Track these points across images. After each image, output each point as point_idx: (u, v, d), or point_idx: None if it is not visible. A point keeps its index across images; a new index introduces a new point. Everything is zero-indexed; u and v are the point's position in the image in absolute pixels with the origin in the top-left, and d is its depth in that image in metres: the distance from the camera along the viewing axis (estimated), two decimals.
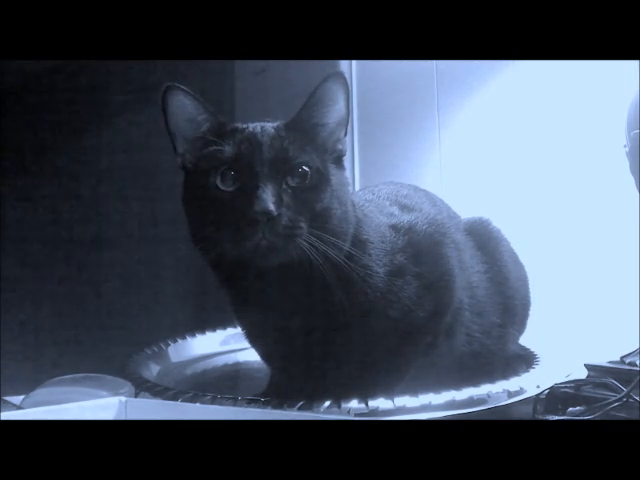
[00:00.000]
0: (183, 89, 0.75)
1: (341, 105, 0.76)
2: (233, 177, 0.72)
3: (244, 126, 0.76)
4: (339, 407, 0.70)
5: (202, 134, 0.75)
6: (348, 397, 0.71)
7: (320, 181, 0.73)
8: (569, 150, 1.16)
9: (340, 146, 0.78)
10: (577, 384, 0.83)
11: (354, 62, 1.40)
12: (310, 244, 0.70)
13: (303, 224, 0.70)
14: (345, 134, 0.78)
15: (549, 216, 1.17)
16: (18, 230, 1.33)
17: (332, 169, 0.76)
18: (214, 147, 0.73)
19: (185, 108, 0.75)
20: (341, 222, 0.74)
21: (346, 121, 0.78)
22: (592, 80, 1.13)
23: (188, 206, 0.76)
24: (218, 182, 0.72)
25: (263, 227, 0.68)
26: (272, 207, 0.68)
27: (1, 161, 1.32)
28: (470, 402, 0.73)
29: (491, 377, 0.79)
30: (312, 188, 0.73)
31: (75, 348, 1.26)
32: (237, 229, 0.69)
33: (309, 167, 0.73)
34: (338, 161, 0.78)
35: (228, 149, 0.73)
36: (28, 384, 0.87)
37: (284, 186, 0.71)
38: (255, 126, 0.76)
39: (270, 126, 0.76)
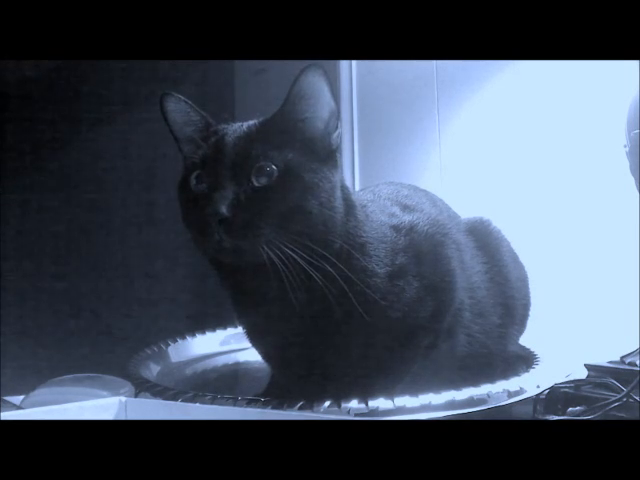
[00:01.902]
0: (174, 96, 0.77)
1: (324, 98, 0.74)
2: (203, 180, 0.73)
3: (222, 127, 0.77)
4: (339, 407, 0.70)
5: (194, 137, 0.77)
6: (348, 397, 0.71)
7: (289, 179, 0.71)
8: (569, 150, 1.16)
9: (329, 141, 0.76)
10: (577, 384, 0.83)
11: (354, 62, 1.40)
12: (277, 247, 0.68)
13: (264, 225, 0.69)
14: (335, 128, 0.76)
15: (549, 216, 1.17)
16: (18, 230, 1.33)
17: (312, 166, 0.73)
18: (194, 150, 0.76)
19: (179, 113, 0.78)
20: (318, 222, 0.72)
21: (334, 115, 0.75)
22: (592, 80, 1.13)
23: (179, 205, 0.77)
24: (192, 184, 0.73)
25: (217, 229, 0.68)
26: (223, 209, 0.68)
27: (1, 160, 1.32)
28: (470, 402, 0.72)
29: (491, 377, 0.79)
30: (278, 187, 0.71)
31: (75, 348, 1.26)
32: (197, 230, 0.71)
33: (276, 165, 0.71)
34: (329, 157, 0.76)
35: (200, 152, 0.74)
36: (28, 384, 0.88)
37: (246, 187, 0.70)
38: (230, 127, 0.76)
39: (245, 125, 0.76)
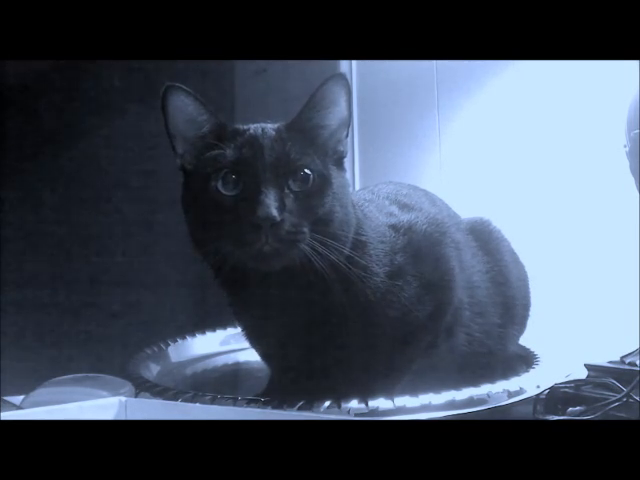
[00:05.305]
0: (184, 89, 0.74)
1: (342, 106, 0.76)
2: (234, 181, 0.71)
3: (245, 128, 0.75)
4: (339, 407, 0.70)
5: (203, 135, 0.75)
6: (348, 397, 0.71)
7: (322, 185, 0.73)
8: (569, 150, 1.16)
9: (341, 147, 0.78)
10: (577, 384, 0.83)
11: (354, 62, 1.40)
12: (313, 248, 0.70)
13: (305, 229, 0.70)
14: (346, 135, 0.78)
15: (549, 216, 1.17)
16: (18, 231, 1.33)
17: (333, 171, 0.75)
18: (215, 150, 0.73)
19: (186, 108, 0.74)
20: (342, 225, 0.74)
21: (347, 122, 0.77)
22: (592, 80, 1.13)
23: (188, 209, 0.76)
24: (219, 186, 0.71)
25: (266, 233, 0.68)
26: (275, 213, 0.67)
27: (1, 162, 1.32)
28: (470, 402, 0.73)
29: (491, 377, 0.79)
30: (314, 192, 0.72)
31: (75, 348, 1.26)
32: (239, 234, 0.69)
33: (311, 170, 0.72)
34: (339, 162, 0.78)
35: (229, 152, 0.72)
36: (28, 384, 0.87)
37: (286, 190, 0.71)
38: (256, 128, 0.75)
39: (271, 128, 0.75)
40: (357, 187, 1.33)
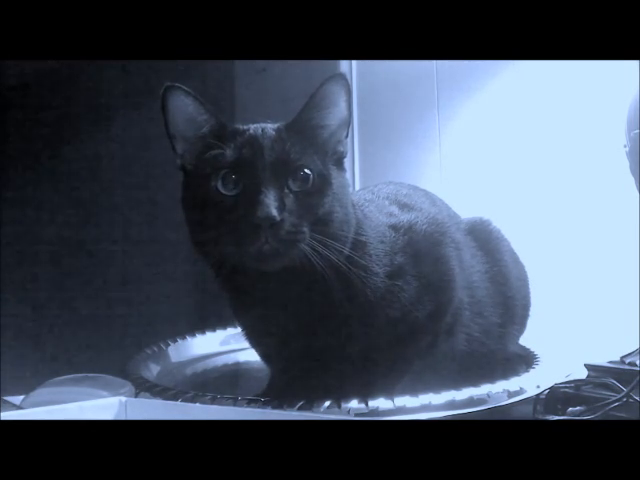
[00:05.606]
0: (184, 89, 0.74)
1: (342, 106, 0.76)
2: (234, 181, 0.71)
3: (245, 128, 0.75)
4: (339, 407, 0.70)
5: (203, 135, 0.75)
6: (348, 397, 0.71)
7: (322, 185, 0.73)
8: (569, 150, 1.16)
9: (341, 148, 0.78)
10: (577, 384, 0.83)
11: (354, 62, 1.41)
12: (312, 248, 0.70)
13: (305, 229, 0.70)
14: (346, 135, 0.78)
15: (549, 216, 1.17)
16: (18, 231, 1.33)
17: (333, 171, 0.75)
18: (215, 150, 0.73)
19: (185, 108, 0.74)
20: (342, 225, 0.74)
21: (347, 122, 0.77)
22: (592, 80, 1.13)
23: (188, 209, 0.76)
24: (219, 186, 0.71)
25: (266, 232, 0.68)
26: (275, 212, 0.67)
27: (1, 162, 1.32)
28: (470, 402, 0.73)
29: (491, 377, 0.79)
30: (314, 192, 0.72)
31: (75, 348, 1.26)
32: (239, 234, 0.69)
33: (311, 170, 0.72)
34: (339, 163, 0.78)
35: (229, 152, 0.72)
36: (28, 384, 0.88)
37: (286, 190, 0.71)
38: (256, 128, 0.75)
39: (271, 128, 0.75)
40: (357, 187, 1.33)
